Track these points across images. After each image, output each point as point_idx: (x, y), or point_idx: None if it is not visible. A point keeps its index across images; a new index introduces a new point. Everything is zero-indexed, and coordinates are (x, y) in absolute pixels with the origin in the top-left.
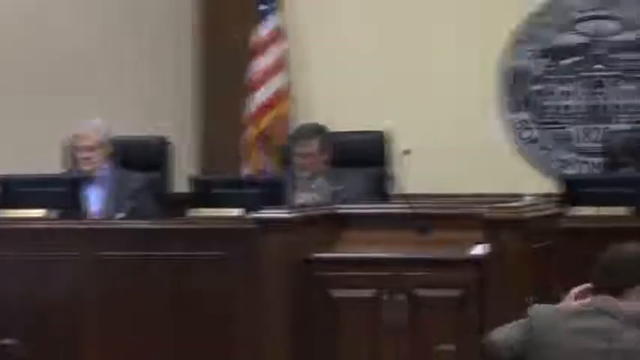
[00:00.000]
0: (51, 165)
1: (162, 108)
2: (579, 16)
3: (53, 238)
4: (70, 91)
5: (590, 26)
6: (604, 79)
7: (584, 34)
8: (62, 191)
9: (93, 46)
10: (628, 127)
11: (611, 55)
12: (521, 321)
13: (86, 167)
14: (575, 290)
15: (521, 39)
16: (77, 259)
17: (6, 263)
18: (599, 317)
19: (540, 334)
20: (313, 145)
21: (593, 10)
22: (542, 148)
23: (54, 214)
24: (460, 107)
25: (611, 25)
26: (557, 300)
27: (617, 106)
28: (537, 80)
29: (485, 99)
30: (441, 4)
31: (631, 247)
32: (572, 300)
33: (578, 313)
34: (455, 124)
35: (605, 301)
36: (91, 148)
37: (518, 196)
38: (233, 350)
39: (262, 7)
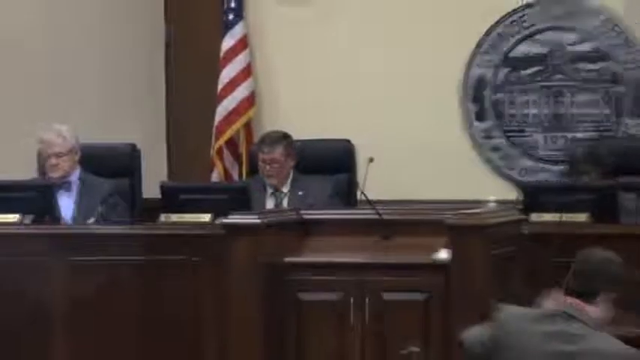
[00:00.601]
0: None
1: (134, 116)
2: (539, 27)
3: (25, 243)
4: (44, 96)
5: (549, 37)
6: (564, 89)
7: (543, 44)
8: (36, 197)
9: (69, 56)
10: (588, 135)
11: (571, 66)
12: (493, 322)
13: (54, 174)
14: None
15: (484, 49)
16: (49, 263)
17: None
18: (568, 321)
19: (508, 335)
20: (278, 152)
21: (552, 21)
22: (505, 155)
23: (27, 219)
24: (424, 115)
25: (569, 36)
26: (519, 303)
27: (578, 115)
28: (499, 89)
29: (449, 107)
30: (404, 17)
31: (599, 255)
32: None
33: (547, 317)
34: (419, 132)
35: (567, 303)
36: (59, 155)
37: (481, 203)
38: (202, 353)
39: (229, 17)
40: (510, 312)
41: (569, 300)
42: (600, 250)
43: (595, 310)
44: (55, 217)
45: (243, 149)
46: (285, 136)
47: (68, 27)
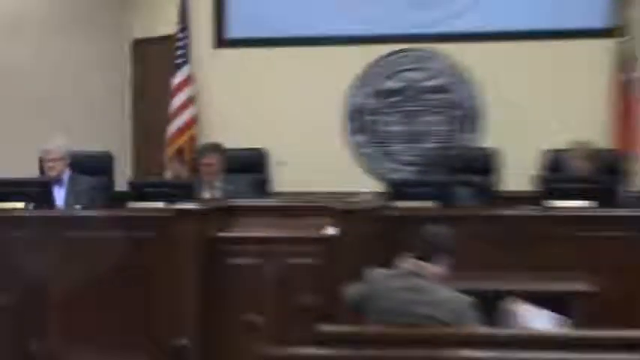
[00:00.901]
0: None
1: (109, 132)
2: (399, 68)
3: (29, 223)
4: (42, 118)
5: (405, 76)
6: (417, 112)
7: (402, 81)
8: (37, 190)
9: (57, 90)
10: (436, 146)
11: (421, 96)
12: (365, 280)
13: (51, 173)
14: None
15: (360, 83)
16: (48, 238)
17: None
18: (415, 278)
19: (375, 290)
20: (213, 158)
21: (408, 64)
22: (375, 160)
23: (30, 206)
24: (319, 131)
25: (420, 75)
26: (384, 266)
27: (427, 131)
28: (371, 113)
29: (336, 125)
30: (300, 65)
31: (435, 229)
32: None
33: (401, 275)
34: (314, 143)
35: (415, 265)
36: (55, 160)
37: (358, 194)
38: (157, 304)
39: (178, 61)
40: (376, 272)
41: (416, 262)
42: (436, 226)
43: (433, 269)
44: (51, 204)
45: (187, 156)
46: (217, 147)
47: (59, 66)
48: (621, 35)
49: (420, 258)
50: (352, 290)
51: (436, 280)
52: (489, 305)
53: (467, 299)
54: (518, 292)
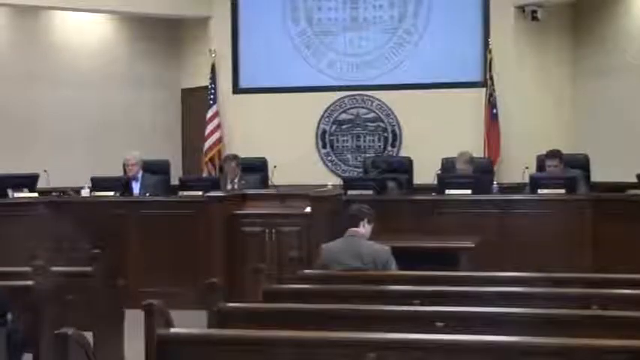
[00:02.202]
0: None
1: (168, 147)
2: (349, 106)
3: (111, 203)
4: (124, 139)
5: (353, 112)
6: (361, 134)
7: (351, 114)
8: (121, 184)
9: (135, 121)
10: (372, 155)
11: (364, 124)
12: (325, 244)
13: (130, 173)
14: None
15: (326, 115)
16: (125, 210)
17: (97, 215)
18: (353, 240)
19: (331, 251)
20: (232, 163)
21: (355, 104)
22: (334, 164)
23: (118, 194)
24: (299, 146)
25: (362, 110)
26: (341, 231)
27: (366, 147)
28: (332, 134)
29: (311, 142)
30: (292, 99)
31: (357, 205)
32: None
33: (346, 237)
34: (297, 153)
35: (352, 231)
36: (133, 165)
37: (324, 186)
38: (197, 255)
39: (209, 102)
40: (332, 242)
41: (353, 229)
42: (358, 204)
43: (362, 231)
44: (130, 193)
45: (216, 162)
46: (235, 156)
47: (136, 107)
48: (487, 85)
49: (352, 225)
50: (324, 246)
51: (364, 238)
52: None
53: (387, 250)
54: (425, 248)
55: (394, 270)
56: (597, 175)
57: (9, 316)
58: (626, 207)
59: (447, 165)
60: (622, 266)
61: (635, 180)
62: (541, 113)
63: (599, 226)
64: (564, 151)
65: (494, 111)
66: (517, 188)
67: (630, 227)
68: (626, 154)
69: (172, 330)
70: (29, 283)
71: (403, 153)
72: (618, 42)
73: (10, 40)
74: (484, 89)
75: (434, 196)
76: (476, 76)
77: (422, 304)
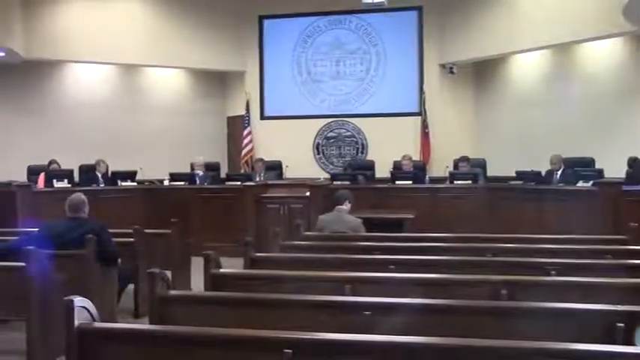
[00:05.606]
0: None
1: (219, 154)
2: (334, 128)
3: (182, 189)
4: (192, 149)
5: (336, 131)
6: (342, 146)
7: (336, 133)
8: (189, 177)
9: (198, 139)
10: (349, 159)
11: (345, 140)
12: (320, 216)
13: (198, 171)
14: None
15: (319, 133)
16: (191, 193)
17: (173, 197)
18: (338, 214)
19: (325, 221)
20: (259, 164)
21: (338, 126)
22: (325, 165)
23: (186, 184)
24: (302, 153)
25: (343, 131)
26: (330, 208)
27: (345, 153)
28: (323, 146)
29: (309, 151)
30: (297, 123)
31: (341, 190)
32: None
33: (334, 212)
34: (300, 158)
35: (338, 208)
36: (198, 165)
37: (318, 179)
38: (237, 221)
39: (245, 124)
40: (326, 215)
41: (339, 206)
42: (342, 189)
43: (345, 208)
44: (194, 183)
45: (250, 163)
46: (261, 159)
47: (199, 129)
48: (422, 114)
49: (338, 204)
50: (318, 221)
51: (346, 212)
52: (367, 224)
53: (359, 221)
54: (382, 218)
55: (363, 232)
56: (491, 172)
57: (119, 261)
58: (508, 192)
59: (397, 164)
60: (507, 229)
61: (512, 174)
62: (456, 132)
63: (492, 205)
64: (470, 157)
65: (427, 130)
66: (441, 180)
67: (512, 205)
68: (508, 159)
69: (222, 270)
70: (131, 240)
71: (369, 157)
72: (503, 88)
73: (114, 89)
74: (420, 117)
75: (388, 185)
76: (415, 108)
77: (381, 254)
